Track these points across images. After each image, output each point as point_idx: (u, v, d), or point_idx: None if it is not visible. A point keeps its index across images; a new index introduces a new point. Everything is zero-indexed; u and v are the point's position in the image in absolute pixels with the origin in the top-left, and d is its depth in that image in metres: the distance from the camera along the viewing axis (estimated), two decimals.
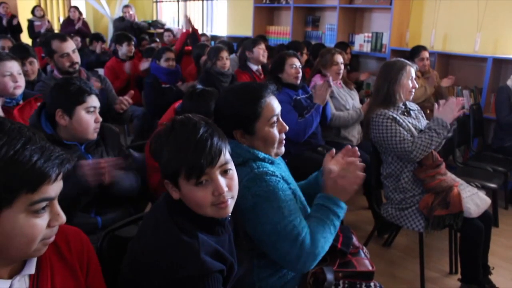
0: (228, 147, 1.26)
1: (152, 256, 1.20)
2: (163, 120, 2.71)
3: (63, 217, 0.98)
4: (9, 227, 0.89)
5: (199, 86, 2.50)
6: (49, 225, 0.96)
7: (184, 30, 5.82)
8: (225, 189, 1.22)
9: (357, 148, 1.67)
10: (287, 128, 1.63)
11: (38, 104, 2.55)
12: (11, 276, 0.97)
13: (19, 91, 2.63)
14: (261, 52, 4.36)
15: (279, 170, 1.59)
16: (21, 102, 2.66)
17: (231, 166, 1.27)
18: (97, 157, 2.03)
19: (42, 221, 0.93)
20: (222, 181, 1.22)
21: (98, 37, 6.48)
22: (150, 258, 1.19)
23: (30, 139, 0.90)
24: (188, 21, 5.89)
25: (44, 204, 0.92)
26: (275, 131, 1.59)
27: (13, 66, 2.59)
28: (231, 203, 1.27)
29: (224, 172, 1.24)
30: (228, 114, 1.58)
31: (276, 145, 1.61)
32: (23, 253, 0.95)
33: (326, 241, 1.50)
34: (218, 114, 1.62)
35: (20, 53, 3.14)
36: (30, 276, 1.01)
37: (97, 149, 2.07)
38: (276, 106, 1.60)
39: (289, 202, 1.49)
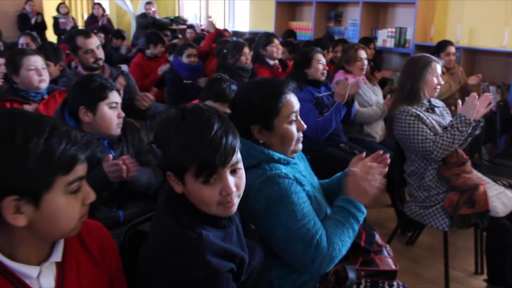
0: (238, 143, 1.22)
1: (157, 254, 1.18)
2: None
3: (93, 195, 1.04)
4: (52, 210, 0.95)
5: (221, 75, 2.51)
6: (83, 203, 1.02)
7: (204, 27, 5.83)
8: (234, 189, 1.18)
9: (388, 156, 1.63)
10: (305, 126, 1.62)
11: (61, 98, 2.61)
12: (39, 263, 1.00)
13: (44, 85, 2.69)
14: (274, 50, 4.35)
15: (294, 171, 1.57)
16: (45, 96, 2.71)
17: (241, 165, 1.23)
18: (119, 152, 2.06)
19: (78, 200, 1.00)
20: (231, 180, 1.18)
21: (119, 35, 6.52)
22: (156, 258, 1.18)
23: (54, 126, 0.95)
24: (211, 23, 5.92)
25: (78, 183, 0.99)
26: (293, 128, 1.58)
27: (37, 61, 2.65)
28: (236, 202, 1.23)
29: (233, 171, 1.20)
30: (247, 108, 1.57)
31: (293, 142, 1.60)
32: (65, 233, 1.02)
33: (343, 244, 1.48)
34: (237, 107, 1.61)
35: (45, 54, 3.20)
36: (57, 263, 1.04)
37: (119, 144, 2.09)
38: (296, 104, 1.58)
39: (303, 204, 1.47)
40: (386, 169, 1.57)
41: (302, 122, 1.61)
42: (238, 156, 1.20)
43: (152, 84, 4.67)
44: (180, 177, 1.17)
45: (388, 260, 1.73)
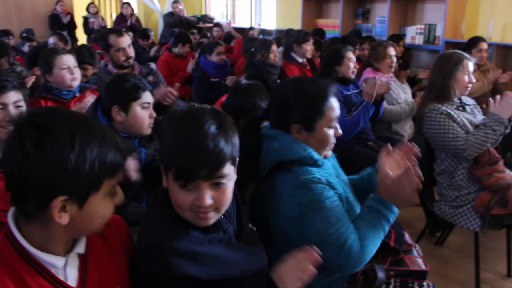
0: (234, 152, 1.14)
1: (137, 246, 1.21)
2: None
3: (123, 197, 1.09)
4: (93, 211, 1.00)
5: (244, 81, 2.49)
6: (114, 204, 1.07)
7: (225, 26, 5.84)
8: (208, 202, 1.11)
9: (415, 146, 1.60)
10: (341, 133, 1.61)
11: (91, 95, 2.66)
12: (65, 253, 1.04)
13: (76, 83, 2.75)
14: (308, 49, 4.35)
15: (326, 172, 1.56)
16: (77, 94, 2.78)
17: (227, 179, 1.14)
18: (150, 151, 2.08)
19: (113, 202, 1.06)
20: (207, 194, 1.11)
21: (145, 35, 6.59)
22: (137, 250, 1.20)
23: (104, 132, 1.00)
24: (228, 26, 5.91)
25: (115, 187, 1.05)
26: (331, 133, 1.58)
27: (69, 60, 2.72)
28: (213, 216, 1.17)
29: (216, 185, 1.13)
30: (293, 106, 1.56)
31: (328, 147, 1.60)
32: (95, 231, 1.08)
33: (374, 246, 1.48)
34: (279, 104, 1.60)
35: (80, 57, 3.26)
36: (79, 255, 1.08)
37: (150, 143, 2.12)
38: (338, 109, 1.58)
39: (336, 209, 1.46)
40: (420, 174, 1.50)
41: (339, 129, 1.61)
42: (225, 171, 1.12)
43: (181, 82, 4.72)
44: (165, 172, 1.16)
45: (418, 260, 1.71)
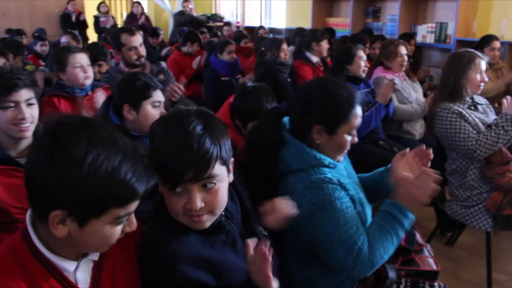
0: (223, 152, 1.11)
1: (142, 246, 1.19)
2: (219, 114, 2.74)
3: (135, 225, 1.05)
4: (92, 233, 0.97)
5: (249, 84, 2.46)
6: (122, 231, 1.03)
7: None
8: (199, 205, 1.09)
9: (431, 150, 1.59)
10: (357, 140, 1.61)
11: (101, 91, 2.68)
12: (77, 258, 1.04)
13: (89, 82, 2.78)
14: (325, 47, 4.31)
15: (338, 173, 1.56)
16: (89, 92, 2.80)
17: (217, 179, 1.11)
18: None
19: (119, 229, 1.01)
20: (197, 196, 1.09)
21: (154, 33, 6.62)
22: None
23: (125, 156, 0.95)
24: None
25: (126, 218, 1.00)
26: (350, 140, 1.57)
27: (83, 58, 2.74)
28: (207, 218, 1.14)
29: (205, 186, 1.10)
30: (318, 106, 1.53)
31: (343, 153, 1.61)
32: (96, 251, 1.06)
33: (386, 251, 1.45)
34: (306, 102, 1.57)
35: (92, 54, 3.30)
36: (94, 260, 1.08)
37: None
38: (360, 118, 1.57)
39: (346, 210, 1.46)
40: (439, 177, 1.48)
41: (356, 137, 1.60)
42: (214, 171, 1.09)
43: (188, 79, 4.74)
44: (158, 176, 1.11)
45: (429, 260, 1.71)
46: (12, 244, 1.01)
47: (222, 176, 1.13)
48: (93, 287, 1.06)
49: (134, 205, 0.99)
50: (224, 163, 1.13)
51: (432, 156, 1.59)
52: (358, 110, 1.55)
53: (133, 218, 1.03)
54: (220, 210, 1.17)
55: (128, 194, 0.95)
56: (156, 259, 1.12)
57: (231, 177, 1.20)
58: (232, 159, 1.19)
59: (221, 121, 1.17)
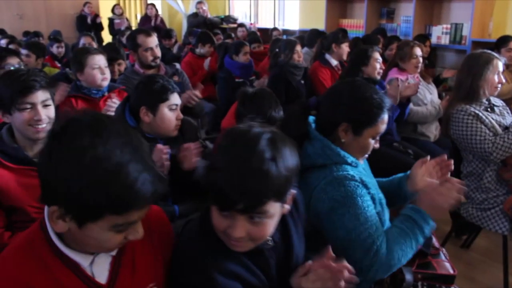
0: (283, 188, 1.05)
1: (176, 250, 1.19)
2: (227, 119, 2.75)
3: (141, 234, 1.02)
4: (90, 235, 0.96)
5: (251, 91, 2.42)
6: (125, 237, 1.01)
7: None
8: (240, 235, 1.04)
9: (452, 161, 1.60)
10: (378, 146, 1.61)
11: (116, 98, 2.71)
12: (92, 253, 1.05)
13: (106, 83, 2.81)
14: (346, 49, 4.24)
15: (360, 173, 1.57)
16: (106, 93, 2.83)
17: (267, 216, 1.04)
18: (175, 151, 2.10)
19: (121, 236, 0.99)
20: (241, 226, 1.04)
21: (167, 35, 6.64)
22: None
23: (135, 157, 0.91)
24: None
25: (126, 226, 0.97)
26: (373, 144, 1.58)
27: (101, 60, 2.77)
28: (246, 246, 1.10)
29: (251, 218, 1.04)
30: (349, 105, 1.54)
31: (365, 156, 1.62)
32: (98, 251, 1.04)
33: (404, 254, 1.45)
34: (336, 99, 1.58)
35: (110, 54, 3.36)
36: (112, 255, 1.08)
37: (176, 143, 2.14)
38: (385, 125, 1.58)
39: (367, 208, 1.46)
40: (463, 187, 1.48)
41: (378, 143, 1.61)
42: (266, 207, 1.02)
43: (200, 81, 4.76)
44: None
45: (446, 264, 1.70)
46: (30, 235, 1.04)
47: (274, 212, 1.07)
48: (110, 281, 1.06)
49: (135, 215, 0.95)
50: (280, 199, 1.07)
51: (453, 167, 1.59)
52: (386, 116, 1.56)
53: (138, 227, 1.00)
54: (262, 240, 1.12)
55: (128, 200, 0.90)
56: (195, 266, 1.11)
57: (286, 208, 1.15)
58: (294, 191, 1.13)
59: (294, 148, 1.10)
